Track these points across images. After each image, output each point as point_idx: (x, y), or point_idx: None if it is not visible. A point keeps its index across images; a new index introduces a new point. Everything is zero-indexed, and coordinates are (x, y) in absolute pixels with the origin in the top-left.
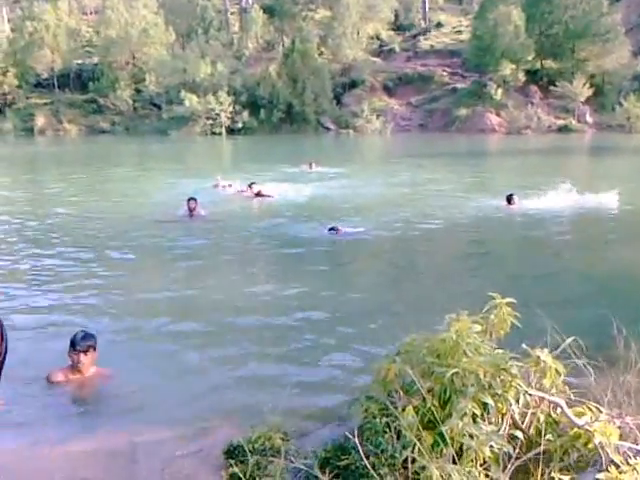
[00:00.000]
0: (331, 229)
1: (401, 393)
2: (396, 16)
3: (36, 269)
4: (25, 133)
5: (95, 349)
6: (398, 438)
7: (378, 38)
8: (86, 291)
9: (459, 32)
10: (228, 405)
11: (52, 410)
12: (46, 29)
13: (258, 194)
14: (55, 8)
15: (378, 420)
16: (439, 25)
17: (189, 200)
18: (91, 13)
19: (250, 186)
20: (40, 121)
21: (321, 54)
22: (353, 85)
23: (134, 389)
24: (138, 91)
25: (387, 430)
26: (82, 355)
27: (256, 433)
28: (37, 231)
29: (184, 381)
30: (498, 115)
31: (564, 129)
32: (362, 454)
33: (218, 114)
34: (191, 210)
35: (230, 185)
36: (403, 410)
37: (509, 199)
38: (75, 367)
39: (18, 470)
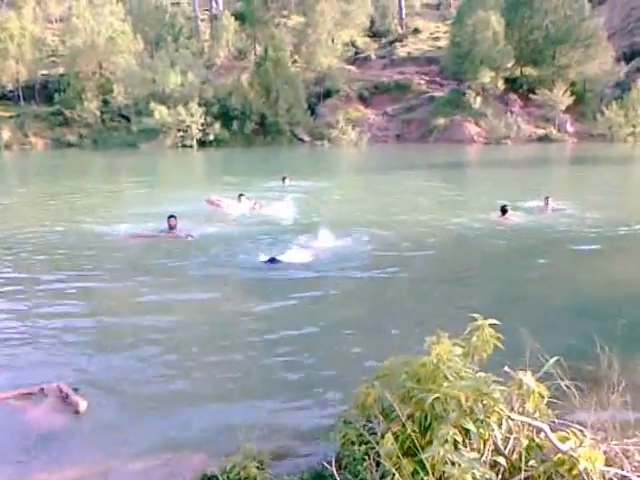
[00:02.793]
0: (270, 260)
1: (380, 418)
2: (372, 22)
3: None
4: None
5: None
6: (377, 466)
7: (353, 45)
8: (54, 314)
9: (437, 38)
10: (202, 432)
11: (17, 442)
12: (10, 38)
13: (247, 207)
14: (19, 16)
15: (357, 447)
16: (416, 31)
17: (169, 218)
18: (56, 21)
19: (239, 198)
20: (6, 135)
21: (294, 62)
22: (328, 95)
23: (103, 418)
24: (106, 102)
25: (366, 458)
26: None
27: (230, 462)
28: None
29: (155, 408)
30: (477, 124)
31: (544, 139)
32: None
33: (189, 126)
34: (171, 227)
35: (243, 201)
36: (382, 436)
37: (504, 210)
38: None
39: None
